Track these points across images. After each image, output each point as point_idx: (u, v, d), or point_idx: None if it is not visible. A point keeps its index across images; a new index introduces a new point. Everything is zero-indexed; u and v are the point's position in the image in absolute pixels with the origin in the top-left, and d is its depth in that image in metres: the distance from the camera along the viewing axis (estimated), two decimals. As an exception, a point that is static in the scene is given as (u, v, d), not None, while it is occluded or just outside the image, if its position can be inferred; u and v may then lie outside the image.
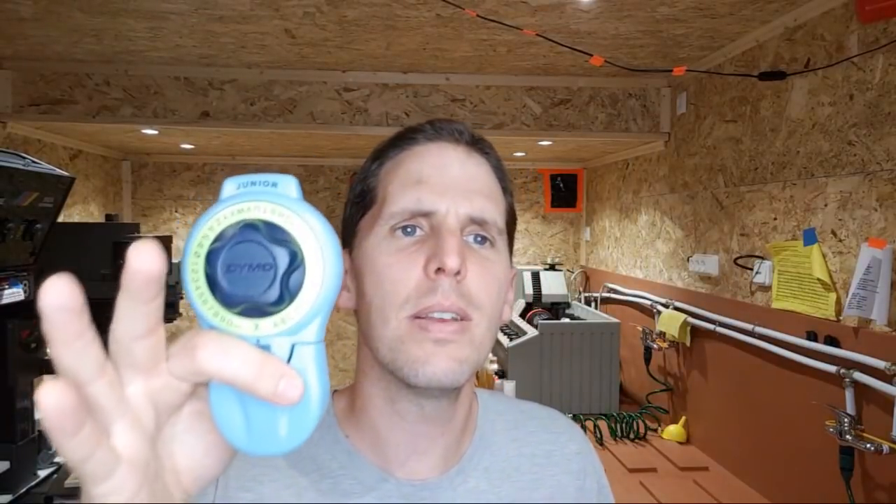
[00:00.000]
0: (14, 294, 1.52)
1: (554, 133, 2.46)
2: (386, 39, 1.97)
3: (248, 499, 0.57)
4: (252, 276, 0.30)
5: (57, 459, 1.72)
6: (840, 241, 1.50)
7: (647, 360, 2.47)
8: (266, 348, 0.31)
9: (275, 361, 0.30)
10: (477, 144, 0.63)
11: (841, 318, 1.47)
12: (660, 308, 2.38)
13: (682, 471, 1.97)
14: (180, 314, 2.11)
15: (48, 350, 0.27)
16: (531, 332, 2.49)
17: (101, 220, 2.95)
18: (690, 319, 2.14)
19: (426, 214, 0.57)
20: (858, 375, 1.38)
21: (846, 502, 1.40)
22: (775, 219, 1.75)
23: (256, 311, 0.30)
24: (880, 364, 1.31)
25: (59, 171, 1.64)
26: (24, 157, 1.52)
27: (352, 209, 0.64)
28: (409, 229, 0.58)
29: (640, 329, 2.50)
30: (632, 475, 1.93)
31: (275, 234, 0.31)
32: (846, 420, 1.39)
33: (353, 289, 0.61)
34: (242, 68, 2.32)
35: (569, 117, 2.46)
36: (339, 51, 2.10)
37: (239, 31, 1.89)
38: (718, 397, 2.04)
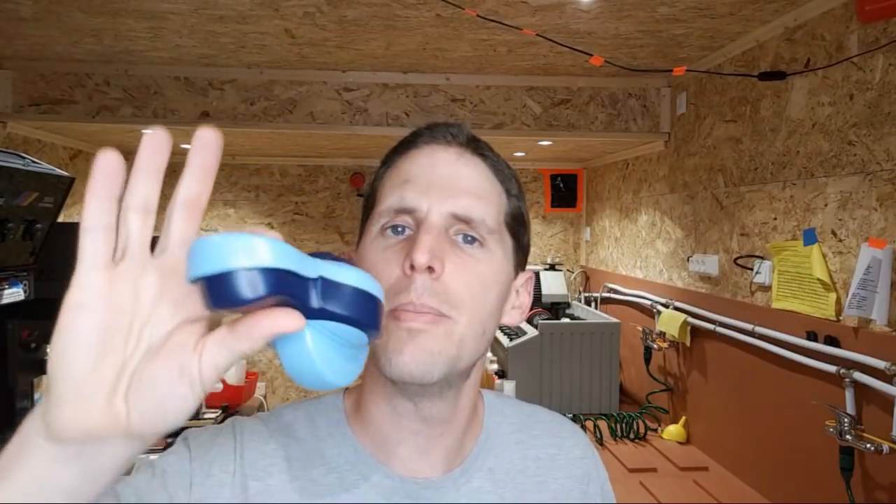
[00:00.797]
0: (14, 294, 1.52)
1: (554, 133, 2.46)
2: (386, 39, 1.97)
3: (256, 487, 0.58)
4: None
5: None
6: (840, 241, 1.50)
7: (647, 360, 2.47)
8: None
9: None
10: (471, 145, 0.63)
11: (841, 318, 1.47)
12: (660, 308, 2.38)
13: (682, 471, 1.97)
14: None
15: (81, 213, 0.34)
16: (531, 332, 2.49)
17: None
18: (690, 319, 2.14)
19: (410, 212, 0.58)
20: (858, 375, 1.38)
21: (846, 502, 1.40)
22: (775, 219, 1.75)
23: None
24: (880, 364, 1.31)
25: (59, 171, 1.64)
26: (24, 157, 1.53)
27: (362, 212, 0.66)
28: (399, 229, 0.59)
29: (640, 329, 2.50)
30: (632, 475, 1.93)
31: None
32: (846, 420, 1.39)
33: None
34: (242, 68, 2.32)
35: (569, 117, 2.46)
36: (339, 51, 2.10)
37: (239, 31, 1.89)
38: (718, 397, 2.04)
